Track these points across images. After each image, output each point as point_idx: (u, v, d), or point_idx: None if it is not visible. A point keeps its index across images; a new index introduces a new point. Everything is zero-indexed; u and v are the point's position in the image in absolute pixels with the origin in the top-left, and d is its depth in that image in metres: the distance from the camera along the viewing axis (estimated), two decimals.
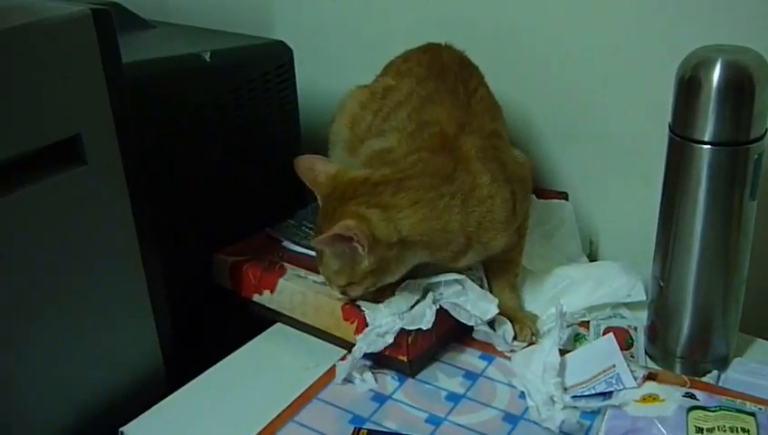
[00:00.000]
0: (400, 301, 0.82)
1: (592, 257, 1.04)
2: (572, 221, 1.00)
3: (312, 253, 0.92)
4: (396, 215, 0.78)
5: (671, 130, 0.75)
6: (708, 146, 0.72)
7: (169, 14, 1.28)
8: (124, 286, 0.79)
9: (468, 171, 0.81)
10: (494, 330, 0.85)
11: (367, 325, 0.81)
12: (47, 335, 0.72)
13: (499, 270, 0.89)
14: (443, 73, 0.90)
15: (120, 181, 0.75)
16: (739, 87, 0.70)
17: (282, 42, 1.03)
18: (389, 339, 0.80)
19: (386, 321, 0.80)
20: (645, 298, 0.86)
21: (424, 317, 0.81)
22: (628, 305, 0.89)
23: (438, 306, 0.82)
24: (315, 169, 0.83)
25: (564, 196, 1.03)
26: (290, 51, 1.03)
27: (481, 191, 0.81)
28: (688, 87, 0.71)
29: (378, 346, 0.80)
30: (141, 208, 0.78)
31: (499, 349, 0.84)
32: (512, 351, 0.84)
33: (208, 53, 0.91)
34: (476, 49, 0.95)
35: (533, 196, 0.97)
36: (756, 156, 0.72)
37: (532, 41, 1.01)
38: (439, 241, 0.80)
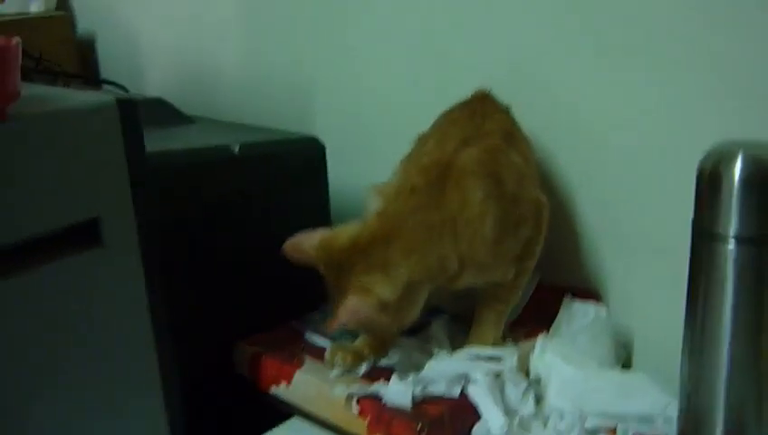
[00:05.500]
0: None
1: (626, 367, 0.98)
2: (605, 324, 0.95)
3: None
4: (394, 271, 0.78)
5: (694, 227, 0.72)
6: (733, 242, 0.69)
7: (216, 112, 1.33)
8: (135, 372, 0.79)
9: (459, 188, 0.80)
10: None
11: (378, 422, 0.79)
12: (52, 419, 0.72)
13: (489, 298, 0.88)
14: (468, 109, 0.91)
15: (136, 265, 0.76)
16: (762, 181, 0.68)
17: (314, 137, 1.05)
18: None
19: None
20: None
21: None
22: None
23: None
24: (303, 249, 0.84)
25: (596, 296, 1.00)
26: (322, 146, 1.04)
27: (471, 211, 0.80)
28: (710, 182, 0.70)
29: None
30: (156, 293, 0.78)
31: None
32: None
33: (237, 146, 0.93)
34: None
35: (570, 295, 0.96)
36: None
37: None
38: (436, 270, 0.80)
